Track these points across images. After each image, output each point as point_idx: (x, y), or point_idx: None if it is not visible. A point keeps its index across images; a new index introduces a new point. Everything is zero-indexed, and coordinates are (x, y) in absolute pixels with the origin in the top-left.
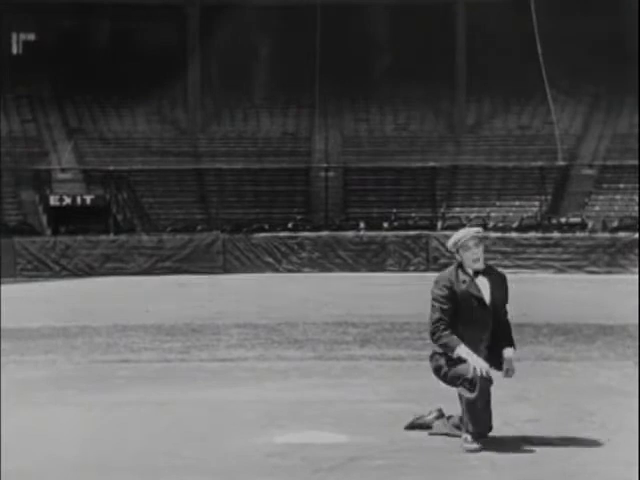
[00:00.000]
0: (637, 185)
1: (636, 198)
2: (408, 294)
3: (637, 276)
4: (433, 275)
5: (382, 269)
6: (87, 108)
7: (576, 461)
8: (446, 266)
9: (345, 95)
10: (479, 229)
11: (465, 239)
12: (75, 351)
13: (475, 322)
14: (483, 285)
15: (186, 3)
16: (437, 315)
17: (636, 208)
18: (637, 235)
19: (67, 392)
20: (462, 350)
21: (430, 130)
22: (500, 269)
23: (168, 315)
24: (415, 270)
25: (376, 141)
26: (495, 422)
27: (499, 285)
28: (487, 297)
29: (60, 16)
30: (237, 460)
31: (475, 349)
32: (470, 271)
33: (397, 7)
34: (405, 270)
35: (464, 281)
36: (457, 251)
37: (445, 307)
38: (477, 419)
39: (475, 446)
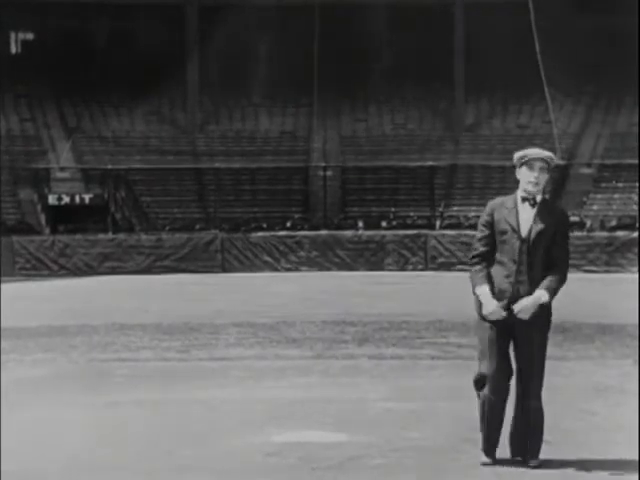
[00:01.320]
0: (636, 184)
1: (634, 197)
2: (406, 293)
3: (636, 275)
4: (431, 274)
5: (380, 268)
6: (85, 107)
7: (576, 460)
8: (444, 265)
9: (343, 94)
10: (553, 156)
11: (533, 156)
12: (74, 350)
13: (506, 255)
14: (526, 214)
15: (185, 3)
16: (474, 245)
17: (635, 207)
18: (636, 234)
19: (66, 391)
20: (481, 289)
21: (428, 129)
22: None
23: (166, 314)
24: (413, 269)
25: (374, 140)
26: None
27: (550, 217)
28: (525, 227)
29: (59, 15)
30: (236, 459)
31: (502, 288)
32: (520, 195)
33: (396, 7)
34: (403, 269)
35: (507, 207)
36: (520, 166)
37: (481, 235)
38: (488, 426)
39: (485, 460)
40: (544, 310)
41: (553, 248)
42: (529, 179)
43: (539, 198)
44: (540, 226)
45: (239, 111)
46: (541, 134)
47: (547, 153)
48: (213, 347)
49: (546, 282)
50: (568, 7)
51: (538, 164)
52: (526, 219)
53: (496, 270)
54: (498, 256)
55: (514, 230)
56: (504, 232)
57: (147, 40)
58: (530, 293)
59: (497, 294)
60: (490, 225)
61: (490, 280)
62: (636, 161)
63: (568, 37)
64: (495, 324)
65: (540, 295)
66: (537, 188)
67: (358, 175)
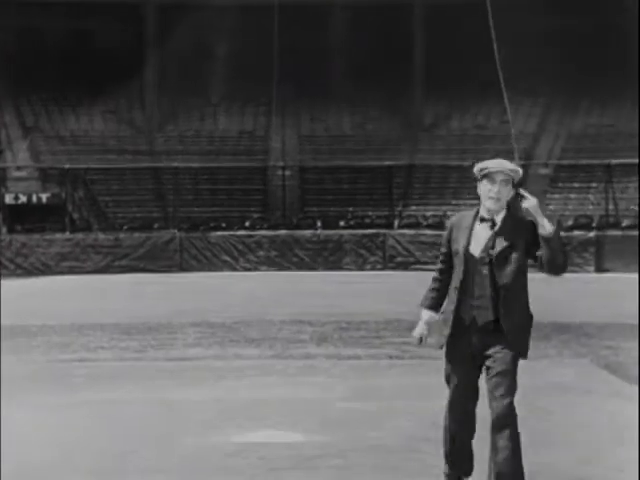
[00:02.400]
0: (591, 184)
1: (590, 197)
2: (365, 293)
3: (592, 275)
4: (389, 273)
5: (339, 268)
6: (43, 106)
7: (535, 459)
8: (402, 264)
9: (302, 94)
10: (518, 169)
11: (494, 169)
12: (33, 350)
13: (455, 279)
14: (485, 233)
15: (143, 2)
16: (439, 263)
17: (590, 207)
18: (592, 234)
19: (25, 392)
20: (422, 313)
21: (387, 129)
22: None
23: (125, 314)
24: (372, 269)
25: (333, 140)
26: None
27: (514, 230)
28: (477, 249)
29: (16, 14)
30: (195, 460)
31: (445, 315)
32: (481, 214)
33: (355, 7)
34: (362, 269)
35: (464, 226)
36: (481, 179)
37: (441, 252)
38: (450, 452)
39: None
40: (517, 333)
41: (522, 265)
42: (489, 194)
43: (500, 217)
44: (504, 245)
45: (198, 111)
46: (499, 135)
47: (510, 166)
48: (171, 347)
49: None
50: (526, 8)
51: (500, 177)
52: (483, 240)
53: (452, 290)
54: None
55: (464, 252)
56: (456, 253)
57: (105, 39)
58: (495, 319)
59: (444, 320)
60: (448, 243)
61: (440, 302)
62: (592, 161)
63: (525, 38)
64: (453, 350)
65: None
66: (498, 204)
67: (317, 175)
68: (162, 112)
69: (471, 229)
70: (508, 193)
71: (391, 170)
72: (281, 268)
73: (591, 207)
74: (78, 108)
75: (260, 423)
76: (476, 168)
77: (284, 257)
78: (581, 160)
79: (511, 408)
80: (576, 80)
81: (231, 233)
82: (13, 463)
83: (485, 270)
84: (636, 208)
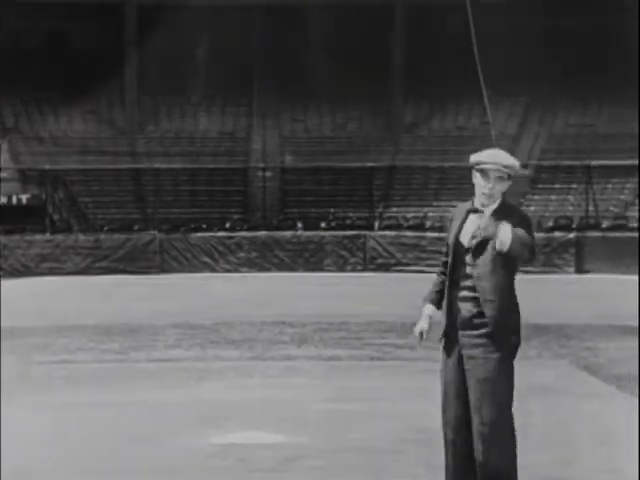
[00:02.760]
0: (572, 185)
1: (571, 198)
2: (345, 294)
3: (572, 275)
4: (370, 275)
5: (319, 269)
6: (23, 107)
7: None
8: (383, 266)
9: (283, 95)
10: (515, 164)
11: (488, 166)
12: (12, 352)
13: (457, 268)
14: (473, 225)
15: (123, 2)
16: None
17: (570, 208)
18: (572, 235)
19: (4, 393)
20: (424, 307)
21: (368, 130)
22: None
23: (105, 315)
24: (352, 270)
25: (314, 141)
26: (431, 421)
27: (498, 222)
28: (466, 237)
29: None
30: (175, 461)
31: (452, 311)
32: (476, 202)
33: (335, 8)
34: (342, 270)
35: (460, 216)
36: (476, 172)
37: (448, 253)
38: (448, 463)
39: None
40: (501, 333)
41: (510, 261)
42: (483, 190)
43: (492, 208)
44: (486, 235)
45: (178, 111)
46: (479, 135)
47: (507, 161)
48: (152, 348)
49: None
50: (506, 8)
51: (495, 173)
52: (471, 230)
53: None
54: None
55: (453, 242)
56: (447, 244)
57: (85, 39)
58: (477, 312)
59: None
60: (447, 236)
61: (442, 296)
62: (572, 162)
63: (505, 38)
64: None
65: (504, 227)
66: (491, 200)
67: (297, 176)
68: (142, 113)
69: (464, 219)
70: (503, 187)
71: (372, 171)
72: (261, 269)
73: (571, 208)
74: (58, 109)
75: (241, 424)
76: (472, 158)
77: (264, 258)
78: (561, 161)
79: (493, 430)
80: (557, 80)
81: (211, 234)
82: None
83: (468, 260)
84: (615, 209)
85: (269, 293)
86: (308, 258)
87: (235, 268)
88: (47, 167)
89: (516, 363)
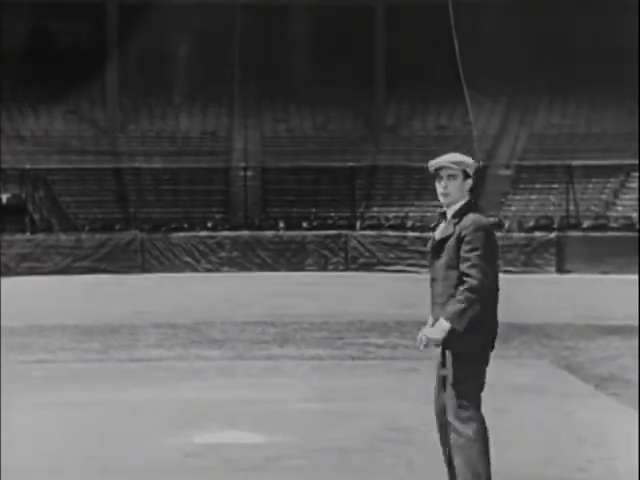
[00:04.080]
0: (553, 185)
1: (552, 198)
2: (327, 293)
3: (553, 275)
4: (351, 274)
5: (301, 268)
6: (3, 106)
7: (493, 459)
8: (365, 265)
9: (264, 95)
10: (466, 160)
11: (435, 165)
12: None
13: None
14: (439, 229)
15: (105, 1)
16: None
17: (551, 208)
18: (553, 235)
19: None
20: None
21: (349, 130)
22: (483, 216)
23: (86, 315)
24: (334, 269)
25: (295, 141)
26: (412, 421)
27: (454, 228)
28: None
29: None
30: (156, 460)
31: (434, 313)
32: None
33: (316, 8)
34: (324, 269)
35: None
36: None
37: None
38: (447, 464)
39: None
40: (459, 335)
41: (457, 262)
42: (439, 190)
43: (455, 208)
44: (441, 236)
45: (159, 111)
46: (461, 135)
47: (455, 158)
48: (133, 348)
49: (450, 306)
50: (486, 9)
51: (445, 172)
52: (438, 233)
53: None
54: None
55: (431, 246)
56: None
57: (66, 38)
58: (436, 313)
59: None
60: None
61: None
62: (553, 162)
63: (486, 38)
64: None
65: (440, 325)
66: (449, 199)
67: (279, 176)
68: (124, 112)
69: (439, 225)
70: (461, 186)
71: (353, 171)
72: (243, 269)
73: (552, 208)
74: (39, 108)
75: (222, 424)
76: (429, 164)
77: (246, 258)
78: (542, 161)
79: (461, 433)
80: (537, 80)
81: (193, 234)
82: None
83: (429, 264)
84: (596, 209)
85: (251, 293)
86: (290, 258)
87: (217, 268)
88: (28, 166)
89: (496, 362)
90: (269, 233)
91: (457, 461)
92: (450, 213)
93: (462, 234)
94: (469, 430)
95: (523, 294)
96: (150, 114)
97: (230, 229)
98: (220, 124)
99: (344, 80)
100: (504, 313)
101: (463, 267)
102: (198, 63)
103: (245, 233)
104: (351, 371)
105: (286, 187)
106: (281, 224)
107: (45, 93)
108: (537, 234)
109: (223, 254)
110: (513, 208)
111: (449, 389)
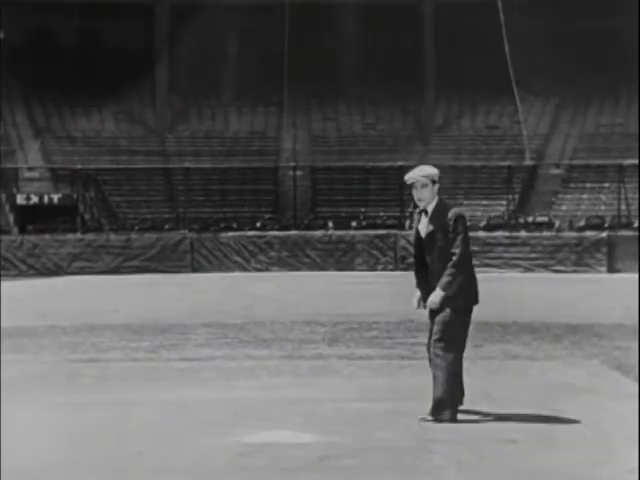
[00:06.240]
0: (604, 184)
1: (602, 197)
2: (376, 293)
3: (604, 275)
4: (401, 274)
5: (350, 268)
6: (55, 107)
7: (544, 459)
8: (413, 265)
9: (313, 94)
10: (430, 172)
11: (411, 181)
12: (43, 351)
13: (424, 257)
14: (424, 222)
15: (154, 2)
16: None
17: (602, 207)
18: (604, 234)
19: (35, 392)
20: (416, 291)
21: (398, 129)
22: (456, 207)
23: (136, 314)
24: (383, 269)
25: (344, 140)
26: (462, 420)
27: (438, 217)
28: (423, 233)
29: (28, 15)
30: (205, 460)
31: (431, 285)
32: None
33: (366, 7)
34: (373, 269)
35: (416, 219)
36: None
37: (414, 246)
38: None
39: (426, 417)
40: (449, 298)
41: (448, 243)
42: (415, 197)
43: (431, 206)
44: (430, 228)
45: (209, 111)
46: (510, 134)
47: (424, 172)
48: (182, 348)
49: (442, 279)
50: (537, 8)
51: (418, 184)
52: (423, 226)
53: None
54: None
55: (417, 235)
56: (416, 238)
57: (117, 40)
58: (434, 284)
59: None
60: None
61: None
62: (604, 161)
63: (537, 38)
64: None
65: (437, 291)
66: (424, 202)
67: (328, 175)
68: (173, 112)
69: (419, 221)
70: (432, 191)
71: (402, 170)
72: (292, 269)
73: (603, 207)
74: (90, 108)
75: (271, 424)
76: (405, 179)
77: (295, 258)
78: (593, 160)
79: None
80: (588, 80)
81: (242, 234)
82: (23, 463)
83: (424, 249)
84: None
85: (300, 292)
86: (339, 257)
87: (266, 267)
88: (79, 167)
89: (547, 362)
90: (318, 233)
91: (438, 377)
92: (430, 210)
93: (448, 223)
94: (447, 358)
95: (574, 294)
96: (199, 114)
97: (279, 229)
98: (269, 124)
99: (393, 79)
100: (555, 313)
101: (450, 247)
102: (247, 63)
103: (294, 233)
104: (400, 371)
105: (335, 187)
106: (330, 224)
107: (96, 94)
108: (588, 233)
109: (272, 254)
110: (564, 207)
111: (436, 336)
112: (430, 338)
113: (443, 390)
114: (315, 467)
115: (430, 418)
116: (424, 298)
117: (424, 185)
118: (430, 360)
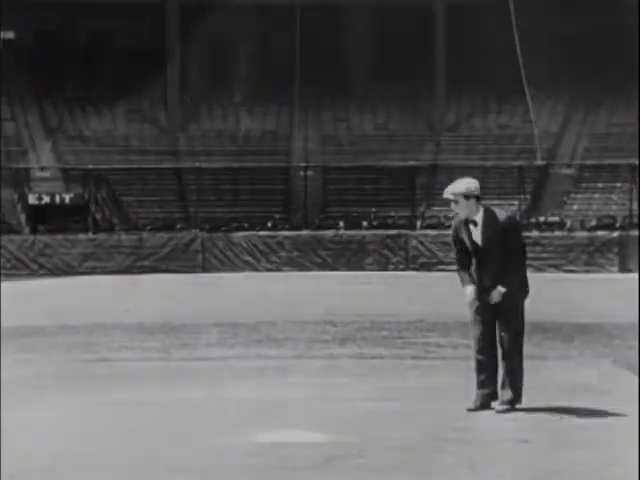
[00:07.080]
0: (616, 184)
1: (614, 197)
2: (387, 293)
3: (616, 275)
4: (412, 274)
5: (361, 268)
6: (66, 107)
7: (555, 459)
8: (425, 265)
9: (324, 94)
10: (461, 189)
11: (446, 197)
12: (54, 350)
13: (476, 260)
14: (475, 230)
15: (166, 2)
16: (456, 256)
17: (613, 207)
18: (615, 234)
19: (47, 391)
20: (467, 288)
21: (409, 129)
22: (503, 212)
23: (147, 314)
24: (394, 269)
25: (355, 140)
26: (473, 421)
27: (490, 225)
28: (479, 239)
29: (40, 15)
30: (216, 459)
31: (480, 284)
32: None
33: (376, 7)
34: (384, 269)
35: (462, 228)
36: None
37: (456, 248)
38: (479, 375)
39: (471, 406)
40: (511, 293)
41: (506, 246)
42: (455, 210)
43: (478, 217)
44: (486, 237)
45: (220, 110)
46: (522, 134)
47: (457, 189)
48: (194, 347)
49: (504, 276)
50: (548, 7)
51: (453, 200)
52: (476, 234)
53: (475, 271)
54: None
55: (470, 242)
56: (468, 245)
57: (128, 39)
58: (492, 283)
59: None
60: (457, 241)
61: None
62: (616, 161)
63: (548, 37)
64: (480, 307)
65: (499, 289)
66: (462, 215)
67: (339, 175)
68: (185, 112)
69: (467, 229)
70: (467, 205)
71: (414, 170)
72: (303, 269)
73: (615, 207)
74: (101, 108)
75: (282, 423)
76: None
77: (306, 257)
78: (605, 160)
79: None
80: (599, 79)
81: (253, 233)
82: (35, 462)
83: (480, 253)
84: None
85: (311, 292)
86: (350, 257)
87: (277, 267)
88: (90, 166)
89: (558, 362)
90: (329, 233)
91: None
92: (479, 221)
93: (504, 227)
94: (518, 346)
95: (585, 293)
96: (211, 114)
97: (290, 229)
98: (280, 123)
99: (404, 79)
100: (566, 313)
101: (509, 249)
102: (259, 62)
103: (305, 233)
104: (411, 370)
105: (346, 186)
106: (341, 223)
107: (107, 93)
108: (599, 233)
109: (283, 253)
110: (575, 207)
111: (504, 324)
112: (481, 332)
113: (520, 377)
114: (326, 466)
115: (506, 407)
116: (481, 293)
117: (456, 201)
118: (480, 350)
